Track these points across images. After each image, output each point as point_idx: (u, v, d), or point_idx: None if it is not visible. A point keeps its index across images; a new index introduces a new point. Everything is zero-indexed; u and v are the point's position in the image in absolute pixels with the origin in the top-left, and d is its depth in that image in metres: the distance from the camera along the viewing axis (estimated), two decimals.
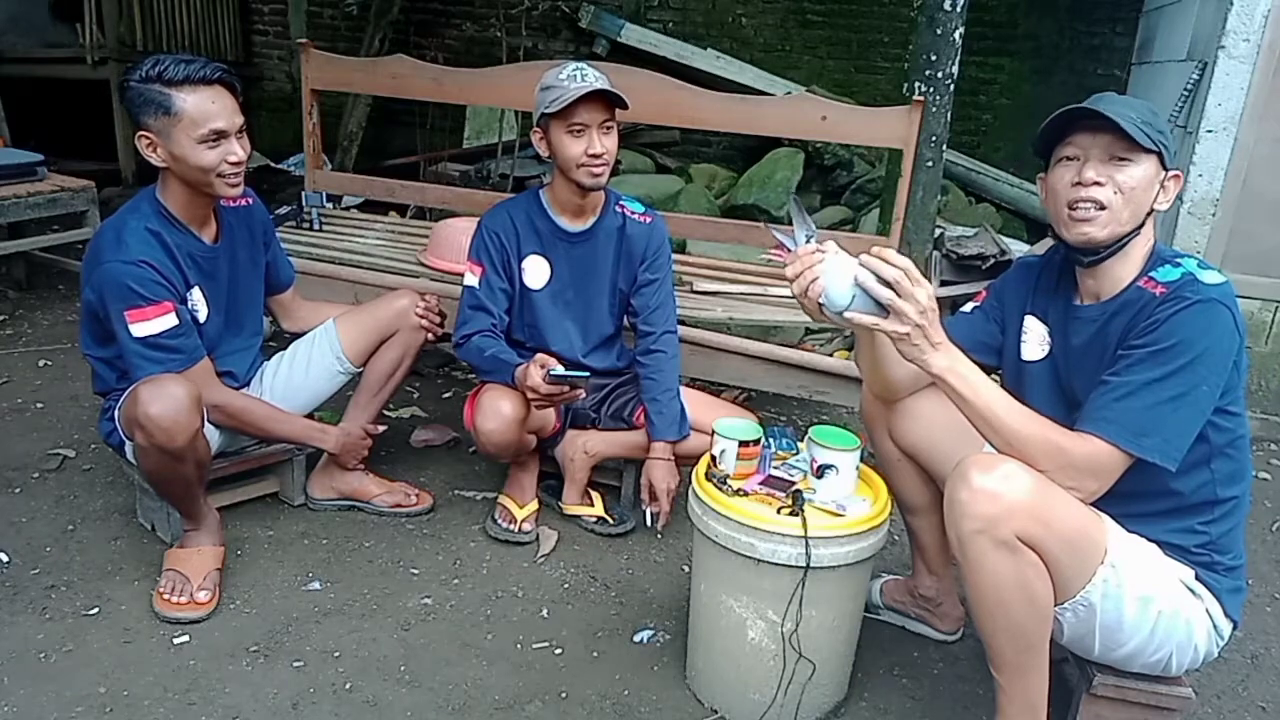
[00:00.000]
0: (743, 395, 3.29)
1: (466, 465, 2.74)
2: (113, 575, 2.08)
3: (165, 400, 1.81)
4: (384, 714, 1.74)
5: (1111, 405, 1.43)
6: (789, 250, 1.48)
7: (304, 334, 2.38)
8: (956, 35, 3.48)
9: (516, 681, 1.85)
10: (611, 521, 2.41)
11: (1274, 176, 3.28)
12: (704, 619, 1.80)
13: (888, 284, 1.40)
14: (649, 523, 2.35)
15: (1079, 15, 5.58)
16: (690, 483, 1.80)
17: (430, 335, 2.36)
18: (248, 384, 2.27)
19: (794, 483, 1.75)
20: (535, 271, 2.31)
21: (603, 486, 2.51)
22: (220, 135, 1.89)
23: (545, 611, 2.09)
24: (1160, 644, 1.52)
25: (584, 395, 2.12)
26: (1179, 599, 1.52)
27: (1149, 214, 1.51)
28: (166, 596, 1.96)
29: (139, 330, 1.87)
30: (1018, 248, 4.34)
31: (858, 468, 1.75)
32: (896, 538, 2.27)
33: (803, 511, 1.63)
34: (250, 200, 2.17)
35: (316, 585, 2.11)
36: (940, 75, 3.51)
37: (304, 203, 3.50)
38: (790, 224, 1.50)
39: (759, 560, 1.63)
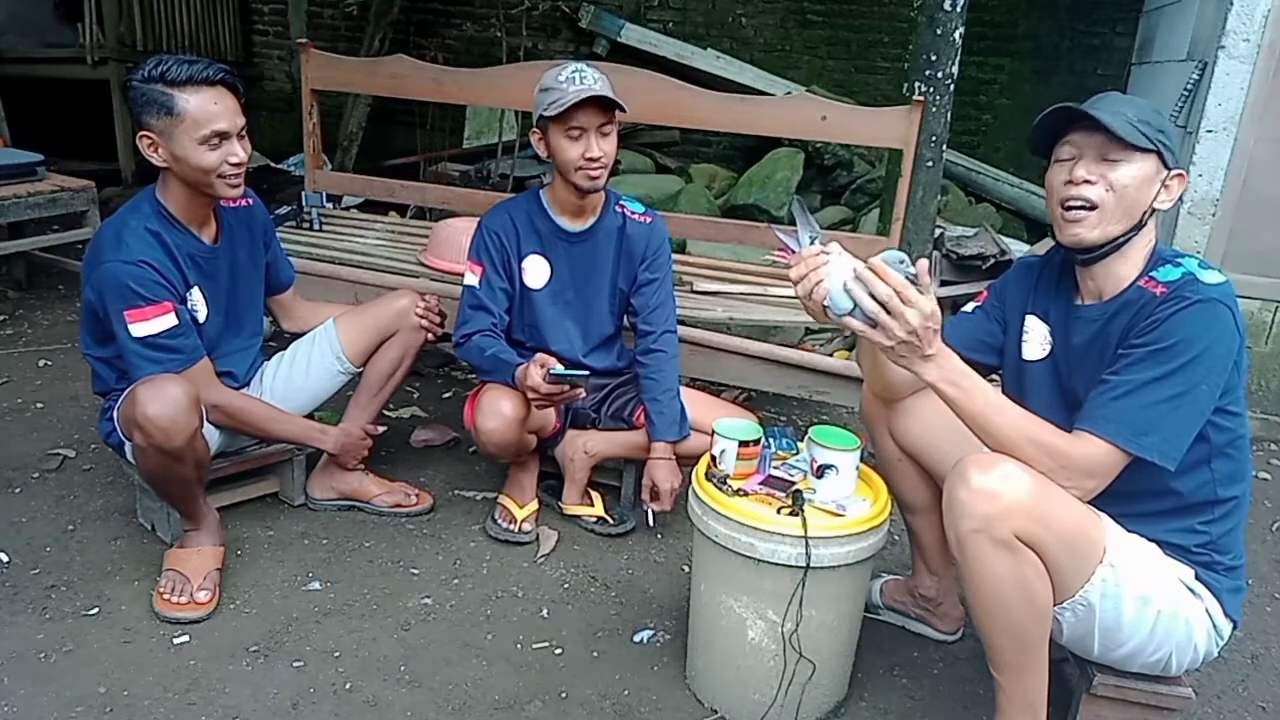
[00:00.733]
0: (743, 395, 3.29)
1: (466, 465, 2.74)
2: (113, 575, 2.08)
3: (163, 401, 1.81)
4: (384, 714, 1.74)
5: (1110, 404, 1.43)
6: (793, 252, 1.48)
7: (304, 334, 2.38)
8: (956, 35, 3.48)
9: (516, 681, 1.85)
10: (611, 521, 2.41)
11: (1274, 176, 3.28)
12: (704, 619, 1.80)
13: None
14: (650, 522, 2.35)
15: (1079, 15, 5.57)
16: (690, 483, 1.80)
17: (430, 335, 2.36)
18: (248, 384, 2.27)
19: (794, 483, 1.75)
20: (535, 271, 2.31)
21: (603, 486, 2.51)
22: (222, 136, 1.89)
23: (545, 611, 2.09)
24: (1160, 644, 1.52)
25: (584, 395, 2.12)
26: (1178, 599, 1.52)
27: (1150, 214, 1.51)
28: (166, 596, 1.96)
29: (138, 330, 1.88)
30: (1018, 248, 4.34)
31: (858, 468, 1.75)
32: (896, 538, 2.27)
33: (803, 511, 1.63)
34: (251, 201, 2.17)
35: (316, 585, 2.11)
36: (940, 75, 3.50)
37: (304, 203, 3.50)
38: (793, 224, 1.50)
39: (759, 560, 1.63)
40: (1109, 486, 1.45)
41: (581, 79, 2.08)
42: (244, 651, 1.87)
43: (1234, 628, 1.58)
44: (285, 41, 6.45)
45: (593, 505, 2.45)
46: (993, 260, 3.98)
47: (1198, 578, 1.53)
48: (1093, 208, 1.48)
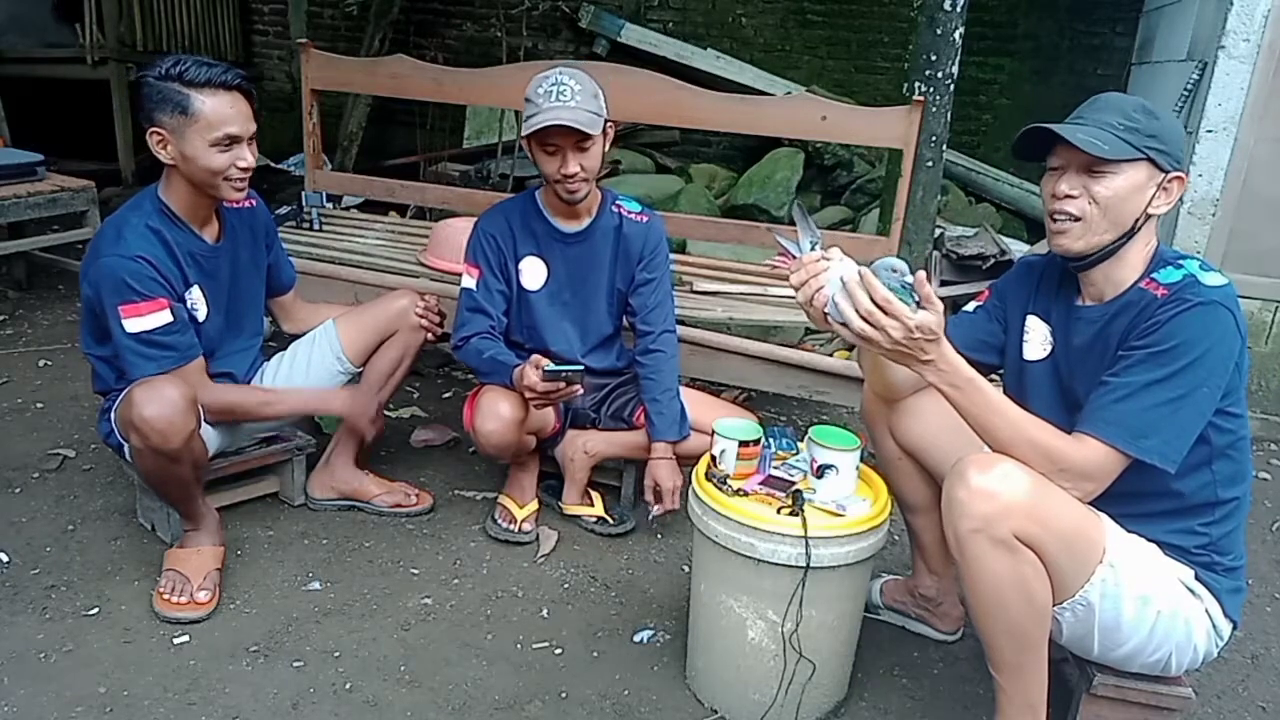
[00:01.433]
0: (743, 395, 3.29)
1: (466, 465, 2.74)
2: (113, 575, 2.08)
3: (159, 402, 1.81)
4: (384, 714, 1.74)
5: (1111, 406, 1.43)
6: (793, 257, 1.48)
7: (303, 335, 2.38)
8: (956, 35, 3.48)
9: (516, 681, 1.85)
10: (611, 521, 2.41)
11: (1274, 176, 3.28)
12: (704, 619, 1.80)
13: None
14: (651, 521, 2.35)
15: (1079, 15, 5.57)
16: (690, 483, 1.80)
17: (430, 335, 2.36)
18: (247, 385, 2.27)
19: (794, 483, 1.75)
20: (532, 272, 2.31)
21: (603, 486, 2.51)
22: (233, 140, 1.90)
23: (545, 611, 2.09)
24: (1159, 644, 1.52)
25: (581, 392, 2.12)
26: (1178, 599, 1.52)
27: (1144, 219, 1.50)
28: (166, 596, 1.96)
29: (132, 326, 1.87)
30: (1018, 248, 4.34)
31: (858, 468, 1.75)
32: (896, 538, 2.27)
33: (803, 511, 1.63)
34: (254, 202, 2.17)
35: (316, 585, 2.11)
36: (940, 75, 3.50)
37: (304, 203, 3.50)
38: (794, 226, 1.50)
39: (759, 560, 1.63)
40: (1110, 487, 1.45)
41: (559, 94, 2.05)
42: (244, 651, 1.87)
43: (1234, 628, 1.58)
44: (285, 41, 6.45)
45: (593, 505, 2.45)
46: (993, 260, 3.98)
47: (1197, 578, 1.53)
48: (1076, 220, 1.48)
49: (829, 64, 5.96)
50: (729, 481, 1.74)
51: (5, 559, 2.11)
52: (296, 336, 2.39)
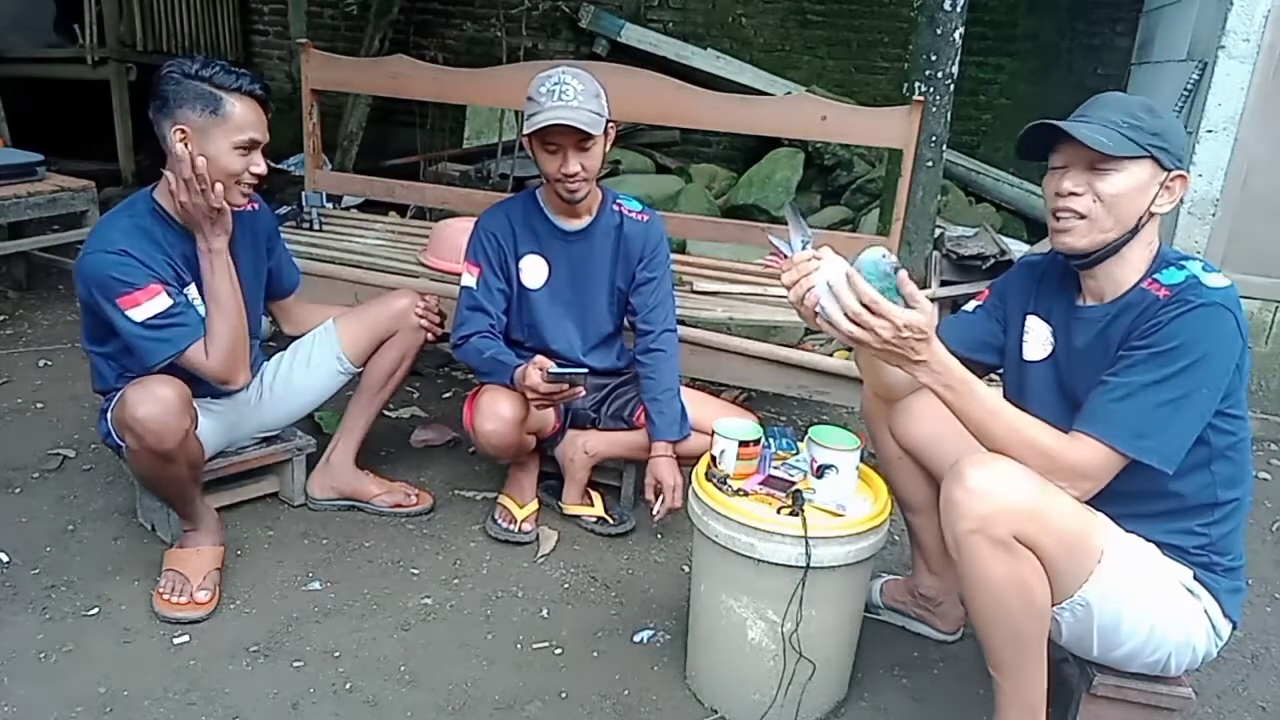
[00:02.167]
0: (743, 395, 3.29)
1: (466, 465, 2.74)
2: (113, 575, 2.08)
3: (153, 403, 1.81)
4: (384, 714, 1.74)
5: (1109, 406, 1.43)
6: (785, 256, 1.48)
7: (304, 335, 2.38)
8: (956, 35, 3.48)
9: (516, 681, 1.85)
10: (611, 521, 2.41)
11: (1274, 176, 3.28)
12: (704, 619, 1.80)
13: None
14: (653, 521, 2.35)
15: (1079, 15, 5.58)
16: (690, 483, 1.80)
17: (430, 335, 2.36)
18: (247, 385, 2.26)
19: (794, 483, 1.75)
20: (533, 271, 2.31)
21: (603, 486, 2.51)
22: (254, 145, 1.93)
23: (545, 611, 2.09)
24: (1159, 644, 1.52)
25: (583, 393, 2.12)
26: (1177, 599, 1.52)
27: (1147, 217, 1.50)
28: (166, 596, 1.96)
29: (137, 315, 1.86)
30: (1018, 248, 4.34)
31: (858, 468, 1.75)
32: (896, 538, 2.27)
33: (803, 511, 1.63)
34: (256, 205, 2.17)
35: (316, 585, 2.11)
36: (940, 75, 3.51)
37: (304, 203, 3.51)
38: (788, 227, 1.50)
39: (759, 560, 1.63)
40: (1108, 486, 1.45)
41: (561, 94, 2.06)
42: (244, 651, 1.87)
43: (1233, 628, 1.58)
44: (285, 41, 6.45)
45: (593, 505, 2.45)
46: (993, 260, 3.98)
47: (1196, 578, 1.53)
48: (1082, 218, 1.48)
49: (829, 64, 5.96)
50: (729, 481, 1.74)
51: (5, 559, 2.11)
52: (297, 337, 2.39)
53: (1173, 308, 1.43)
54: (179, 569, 2.00)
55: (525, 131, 2.10)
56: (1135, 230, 1.50)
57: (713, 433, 1.81)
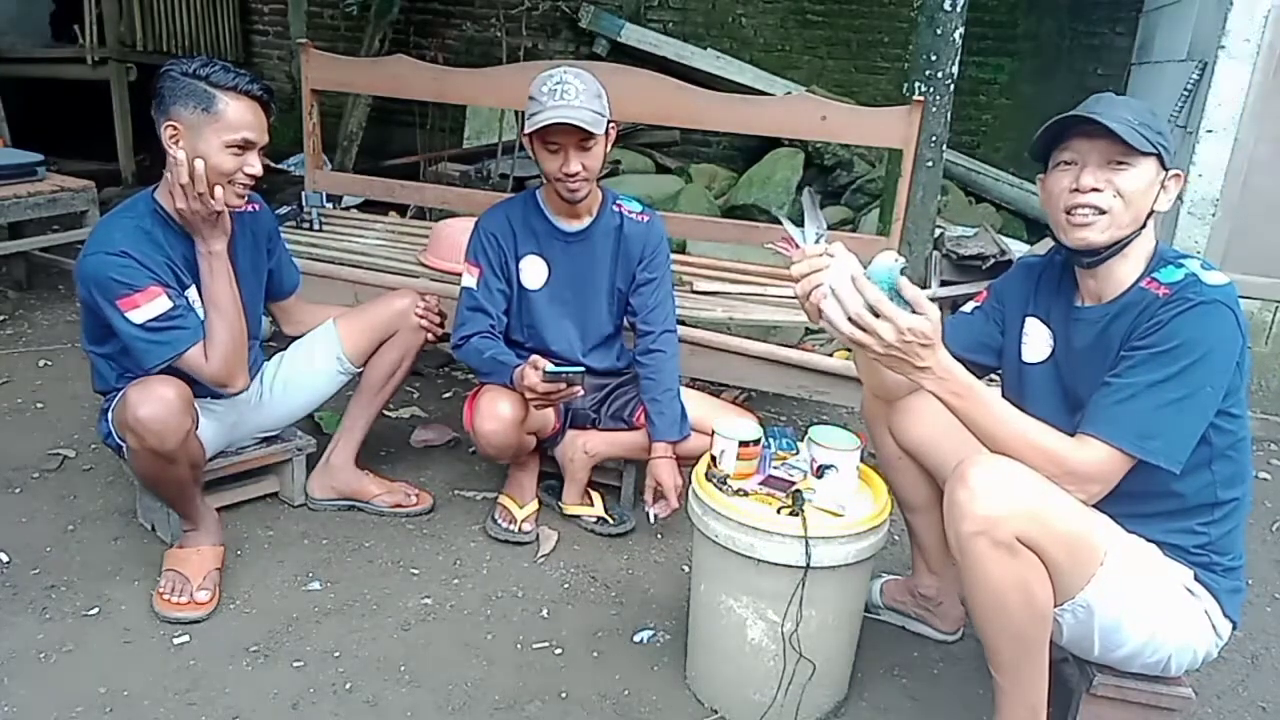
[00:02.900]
0: (743, 395, 3.29)
1: (466, 465, 2.74)
2: (113, 575, 2.08)
3: (154, 403, 1.81)
4: (384, 714, 1.74)
5: (1114, 407, 1.43)
6: (796, 246, 1.47)
7: (304, 335, 2.38)
8: (956, 35, 3.48)
9: (516, 681, 1.85)
10: (611, 521, 2.41)
11: (1274, 176, 3.28)
12: (704, 619, 1.80)
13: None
14: (652, 521, 2.35)
15: (1079, 15, 5.58)
16: (690, 483, 1.80)
17: (430, 335, 2.36)
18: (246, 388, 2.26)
19: (794, 483, 1.75)
20: (533, 272, 2.31)
21: (603, 486, 2.51)
22: (247, 146, 1.91)
23: (545, 611, 2.09)
24: (1159, 645, 1.52)
25: (581, 393, 2.12)
26: (1178, 600, 1.52)
27: (1150, 215, 1.51)
28: (166, 597, 1.96)
29: (137, 316, 1.86)
30: (1018, 248, 4.34)
31: (858, 468, 1.75)
32: (896, 538, 2.27)
33: (803, 511, 1.63)
34: (256, 206, 2.17)
35: (316, 585, 2.11)
36: (940, 75, 3.51)
37: (304, 203, 3.51)
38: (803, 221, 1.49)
39: (759, 560, 1.63)
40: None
41: (563, 93, 2.06)
42: (244, 651, 1.87)
43: (1233, 628, 1.58)
44: (285, 41, 6.45)
45: (593, 505, 2.45)
46: (993, 260, 3.98)
47: (1197, 578, 1.53)
48: (1102, 213, 1.47)
49: (829, 64, 5.96)
50: (729, 481, 1.74)
51: (5, 559, 2.11)
52: (297, 337, 2.39)
53: (1173, 306, 1.43)
54: (179, 569, 2.00)
55: (527, 130, 2.10)
56: (1142, 227, 1.50)
57: (713, 433, 1.81)
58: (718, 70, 5.58)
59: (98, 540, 2.21)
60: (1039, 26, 5.68)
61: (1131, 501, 1.49)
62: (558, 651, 1.95)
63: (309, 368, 2.32)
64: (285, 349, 2.38)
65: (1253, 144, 3.27)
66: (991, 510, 1.37)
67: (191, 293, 2.01)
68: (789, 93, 5.10)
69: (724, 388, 3.18)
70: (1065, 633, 1.53)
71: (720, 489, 1.72)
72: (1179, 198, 3.36)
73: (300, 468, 2.39)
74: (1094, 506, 1.47)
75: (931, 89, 3.49)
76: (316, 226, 3.41)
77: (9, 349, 3.36)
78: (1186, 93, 3.42)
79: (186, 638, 1.89)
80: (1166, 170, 1.49)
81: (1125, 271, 1.53)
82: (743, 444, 1.76)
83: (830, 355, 2.86)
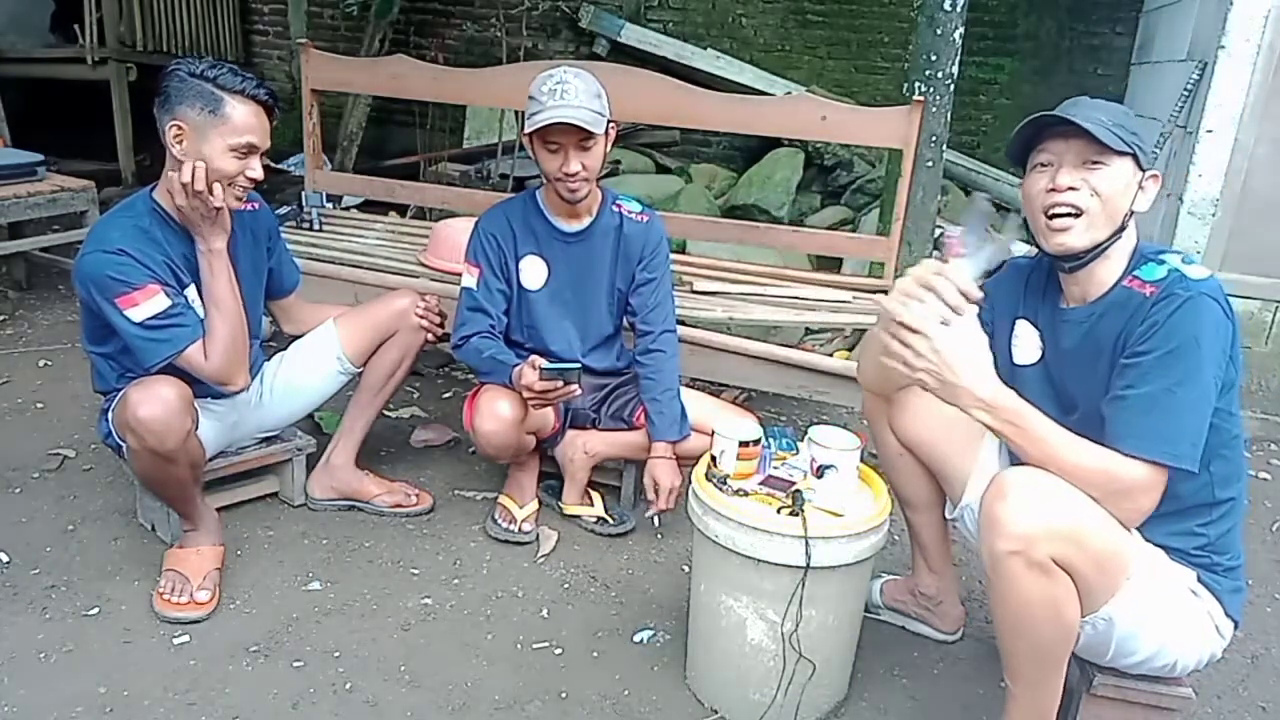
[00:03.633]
0: (743, 395, 3.29)
1: (466, 465, 2.74)
2: (113, 575, 2.08)
3: (154, 403, 1.81)
4: (384, 714, 1.74)
5: (1141, 420, 1.41)
6: (960, 255, 1.46)
7: (304, 335, 2.38)
8: (956, 35, 3.48)
9: (516, 681, 1.85)
10: (611, 521, 2.41)
11: (1274, 176, 3.28)
12: (704, 619, 1.80)
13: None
14: (656, 523, 2.35)
15: (1079, 15, 5.58)
16: (690, 483, 1.80)
17: (430, 336, 2.36)
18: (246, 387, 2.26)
19: (794, 483, 1.75)
20: (532, 272, 2.31)
21: (603, 486, 2.51)
22: (251, 150, 1.91)
23: (545, 611, 2.09)
24: (1169, 650, 1.53)
25: (579, 392, 2.12)
26: (1187, 605, 1.52)
27: (1129, 216, 1.51)
28: (166, 597, 1.96)
29: (136, 315, 1.86)
30: (1018, 248, 4.33)
31: (858, 467, 1.75)
32: (896, 538, 2.27)
33: (803, 511, 1.63)
34: (256, 205, 2.17)
35: (316, 585, 2.11)
36: (940, 75, 3.50)
37: (304, 203, 3.51)
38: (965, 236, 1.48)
39: (759, 560, 1.63)
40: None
41: (563, 93, 2.06)
42: (244, 651, 1.87)
43: (1235, 627, 1.58)
44: (285, 41, 6.45)
45: (593, 505, 2.45)
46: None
47: (1199, 580, 1.54)
48: (1079, 214, 1.48)
49: (829, 64, 5.96)
50: (729, 481, 1.74)
51: (5, 559, 2.11)
52: (296, 337, 2.39)
53: (1164, 305, 1.43)
54: (179, 569, 2.00)
55: (527, 130, 2.10)
56: (1122, 229, 1.51)
57: (713, 433, 1.81)
58: (718, 70, 5.58)
59: (98, 540, 2.21)
60: (1039, 26, 5.68)
61: None
62: (558, 651, 1.95)
63: (309, 368, 2.32)
64: (285, 349, 2.38)
65: (1252, 144, 3.27)
66: (1030, 530, 1.35)
67: (191, 292, 2.01)
68: (789, 93, 5.10)
69: (724, 388, 3.18)
70: (1082, 640, 1.51)
71: (720, 489, 1.72)
72: (1179, 198, 3.38)
73: (300, 468, 2.39)
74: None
75: (931, 89, 3.49)
76: (316, 226, 3.41)
77: (9, 349, 3.36)
78: (1186, 93, 3.42)
79: (186, 638, 1.89)
80: (1144, 171, 1.50)
81: (1107, 272, 1.54)
82: (743, 444, 1.76)
83: (830, 355, 2.86)
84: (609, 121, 2.15)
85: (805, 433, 1.79)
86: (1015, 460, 1.56)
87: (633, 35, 5.74)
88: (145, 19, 5.74)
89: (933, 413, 1.78)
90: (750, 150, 5.71)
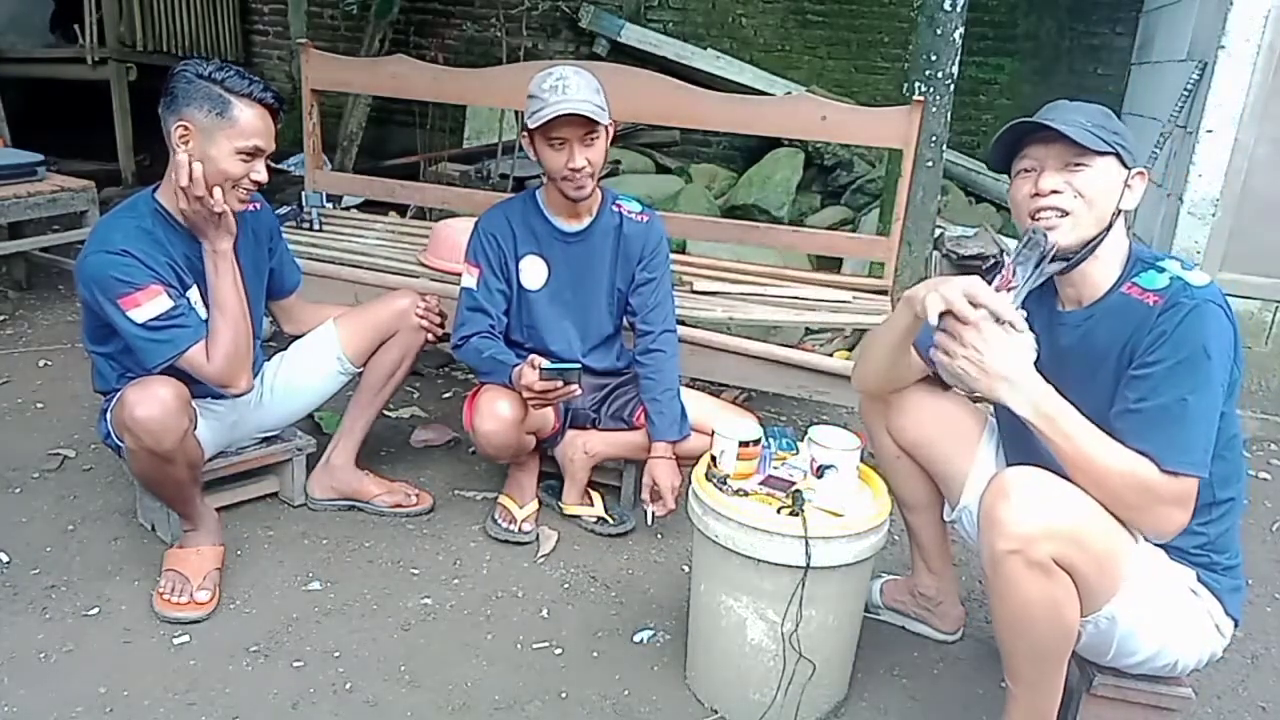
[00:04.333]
0: (743, 395, 3.29)
1: (466, 465, 2.74)
2: (113, 575, 2.08)
3: (151, 404, 1.81)
4: (384, 714, 1.74)
5: (1157, 433, 1.40)
6: (1010, 289, 1.46)
7: (304, 335, 2.38)
8: (956, 35, 3.48)
9: (516, 681, 1.85)
10: (611, 521, 2.41)
11: (1274, 176, 3.28)
12: (704, 619, 1.80)
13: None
14: (650, 521, 2.35)
15: (1079, 15, 5.58)
16: (690, 483, 1.80)
17: (430, 336, 2.36)
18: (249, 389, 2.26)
19: (794, 483, 1.75)
20: (532, 272, 2.31)
21: (603, 486, 2.51)
22: (257, 154, 1.92)
23: (545, 611, 2.09)
24: (1170, 649, 1.53)
25: (579, 392, 2.12)
26: (1187, 605, 1.52)
27: (1116, 215, 1.51)
28: (166, 597, 1.96)
29: (138, 315, 1.85)
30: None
31: (858, 468, 1.75)
32: (896, 538, 2.27)
33: (803, 511, 1.63)
34: (257, 205, 2.17)
35: (316, 585, 2.11)
36: (940, 75, 3.50)
37: (304, 203, 3.51)
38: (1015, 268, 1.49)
39: (759, 560, 1.63)
40: None
41: (564, 89, 2.06)
42: (244, 651, 1.87)
43: (1235, 626, 1.58)
44: (285, 41, 6.45)
45: (593, 505, 2.45)
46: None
47: (1199, 579, 1.54)
48: (1065, 215, 1.48)
49: (829, 64, 5.96)
50: (729, 481, 1.74)
51: (5, 559, 2.11)
52: (297, 337, 2.39)
53: (1171, 314, 1.43)
54: (179, 569, 2.00)
55: (531, 125, 2.10)
56: (1109, 228, 1.51)
57: (713, 433, 1.81)
58: (718, 70, 5.58)
59: (98, 540, 2.21)
60: (1039, 26, 5.68)
61: None
62: (557, 651, 1.95)
63: (309, 368, 2.32)
64: (285, 349, 2.38)
65: (1252, 144, 3.27)
66: (1030, 530, 1.35)
67: (193, 293, 2.01)
68: (789, 93, 5.10)
69: (724, 388, 3.18)
70: (1083, 640, 1.52)
71: (720, 489, 1.72)
72: (1179, 198, 3.38)
73: (300, 468, 2.39)
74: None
75: (931, 89, 3.48)
76: (316, 226, 3.40)
77: (9, 349, 3.36)
78: (1186, 93, 3.42)
79: (186, 638, 1.89)
80: (1129, 169, 1.51)
81: (1101, 274, 1.54)
82: (743, 444, 1.76)
83: (830, 355, 2.87)
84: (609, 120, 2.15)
85: (805, 433, 1.79)
86: (1013, 461, 1.57)
87: (633, 35, 5.74)
88: (145, 19, 5.74)
89: (930, 415, 1.78)
90: (750, 150, 5.72)
